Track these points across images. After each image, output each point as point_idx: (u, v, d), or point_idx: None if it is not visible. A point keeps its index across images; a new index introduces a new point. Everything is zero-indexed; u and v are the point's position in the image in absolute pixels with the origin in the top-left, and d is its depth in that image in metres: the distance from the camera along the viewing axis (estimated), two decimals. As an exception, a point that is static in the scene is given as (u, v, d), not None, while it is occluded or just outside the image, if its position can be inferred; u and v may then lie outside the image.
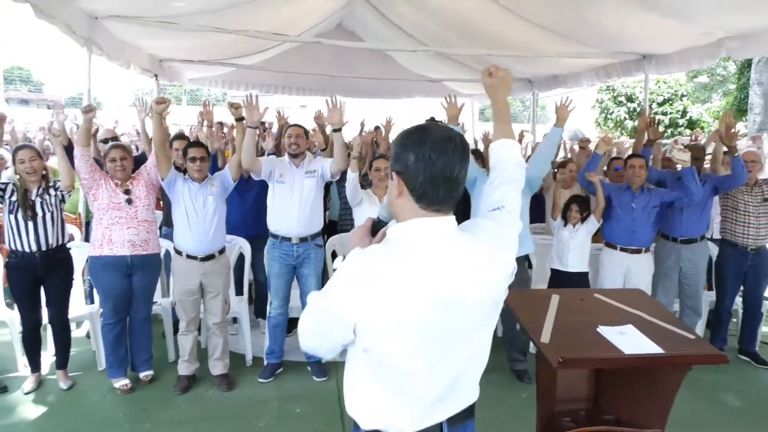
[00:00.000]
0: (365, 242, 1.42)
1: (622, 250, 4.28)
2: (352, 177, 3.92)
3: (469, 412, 1.44)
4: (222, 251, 3.86)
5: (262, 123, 6.73)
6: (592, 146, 6.02)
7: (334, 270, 1.36)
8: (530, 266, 4.79)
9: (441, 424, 1.37)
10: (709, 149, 5.10)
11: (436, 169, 1.27)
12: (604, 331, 1.85)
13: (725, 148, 4.28)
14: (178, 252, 3.77)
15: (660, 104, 19.81)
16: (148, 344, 3.93)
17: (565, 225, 4.39)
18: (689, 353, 1.78)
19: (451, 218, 1.33)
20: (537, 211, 5.09)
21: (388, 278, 1.24)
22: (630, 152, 4.97)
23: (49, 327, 3.84)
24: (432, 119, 5.51)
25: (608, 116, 20.89)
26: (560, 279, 4.36)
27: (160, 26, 5.70)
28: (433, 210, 1.30)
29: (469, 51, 7.29)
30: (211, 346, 3.94)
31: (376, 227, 1.49)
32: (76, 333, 4.73)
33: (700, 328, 4.73)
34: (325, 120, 3.92)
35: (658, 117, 19.33)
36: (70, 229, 4.94)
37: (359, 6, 8.54)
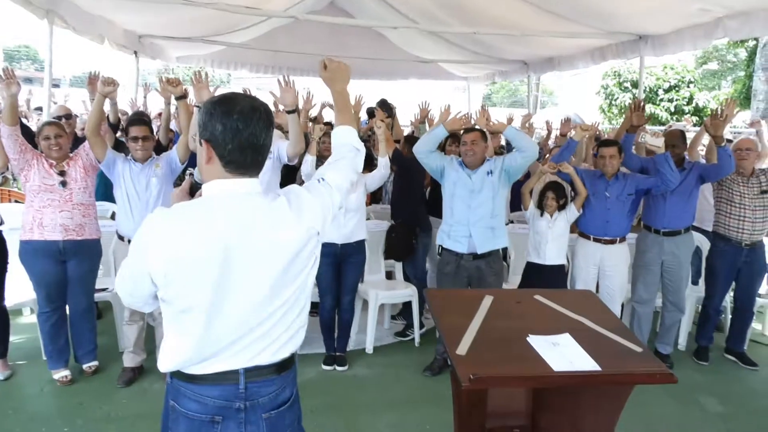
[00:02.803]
0: (185, 202, 1.50)
1: (595, 240, 4.02)
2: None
3: (274, 369, 1.47)
4: (167, 237, 3.60)
5: None
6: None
7: None
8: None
9: (238, 372, 1.43)
10: (706, 138, 4.79)
11: (244, 138, 1.38)
12: (535, 341, 1.59)
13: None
14: (120, 237, 3.52)
15: (666, 90, 19.27)
16: (90, 336, 3.70)
17: (541, 215, 4.11)
18: (630, 371, 1.51)
19: (255, 180, 1.44)
20: (518, 198, 4.84)
21: (177, 230, 1.35)
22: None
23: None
24: (383, 102, 5.23)
25: (613, 102, 20.38)
26: (535, 273, 4.08)
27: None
28: (239, 174, 1.41)
29: (456, 29, 6.95)
30: (158, 336, 3.71)
31: (194, 188, 1.54)
32: (31, 319, 4.53)
33: (686, 324, 4.49)
34: (277, 101, 3.61)
35: (663, 104, 18.85)
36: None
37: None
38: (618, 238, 3.99)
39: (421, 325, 4.54)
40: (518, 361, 1.52)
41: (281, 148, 3.70)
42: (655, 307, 4.36)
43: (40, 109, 7.30)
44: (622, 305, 4.30)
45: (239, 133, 1.37)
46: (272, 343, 1.45)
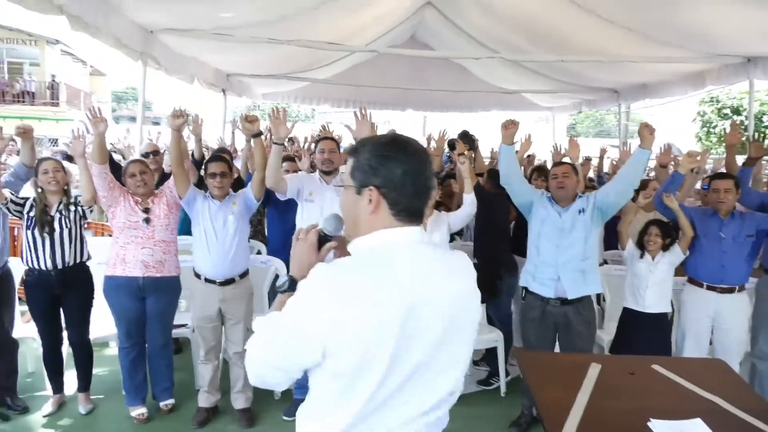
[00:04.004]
0: (314, 259, 1.36)
1: (709, 288, 3.54)
2: None
3: None
4: (244, 275, 3.55)
5: (290, 140, 6.43)
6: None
7: (281, 290, 1.34)
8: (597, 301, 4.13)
9: None
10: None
11: (422, 182, 1.27)
12: (659, 427, 1.30)
13: None
14: (197, 275, 3.50)
15: (772, 117, 17.83)
16: (167, 373, 3.68)
17: (641, 255, 3.71)
18: (788, 477, 1.19)
19: (421, 228, 1.30)
20: (613, 235, 4.45)
21: (356, 289, 1.17)
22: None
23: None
24: (465, 133, 4.98)
25: (711, 130, 19.06)
26: (633, 320, 3.66)
27: (214, 38, 5.62)
28: (408, 222, 1.27)
29: (539, 57, 6.68)
30: (233, 377, 3.64)
31: (322, 241, 1.40)
32: (116, 351, 4.61)
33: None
34: (353, 134, 3.49)
35: (767, 132, 17.40)
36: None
37: (430, 16, 8.19)
38: (737, 287, 3.51)
39: (507, 373, 4.21)
40: (639, 455, 1.24)
41: None
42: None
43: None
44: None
45: (419, 177, 1.25)
46: (441, 418, 1.29)
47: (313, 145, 5.21)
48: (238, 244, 3.46)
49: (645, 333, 3.60)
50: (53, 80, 22.80)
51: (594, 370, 1.52)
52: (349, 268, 1.22)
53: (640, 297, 3.65)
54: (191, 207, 3.45)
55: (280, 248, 4.30)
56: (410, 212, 1.26)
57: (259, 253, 4.76)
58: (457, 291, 1.28)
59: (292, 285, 1.31)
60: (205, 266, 3.45)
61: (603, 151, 6.99)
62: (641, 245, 3.71)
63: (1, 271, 3.58)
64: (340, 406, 1.22)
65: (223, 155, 3.72)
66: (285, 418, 3.66)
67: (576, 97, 9.53)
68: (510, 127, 3.47)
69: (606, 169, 6.79)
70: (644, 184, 4.49)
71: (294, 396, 3.77)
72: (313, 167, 4.43)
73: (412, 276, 1.21)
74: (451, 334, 1.26)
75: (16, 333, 3.80)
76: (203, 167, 3.70)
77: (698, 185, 5.19)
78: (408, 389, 1.23)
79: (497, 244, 4.32)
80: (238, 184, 4.11)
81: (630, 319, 3.71)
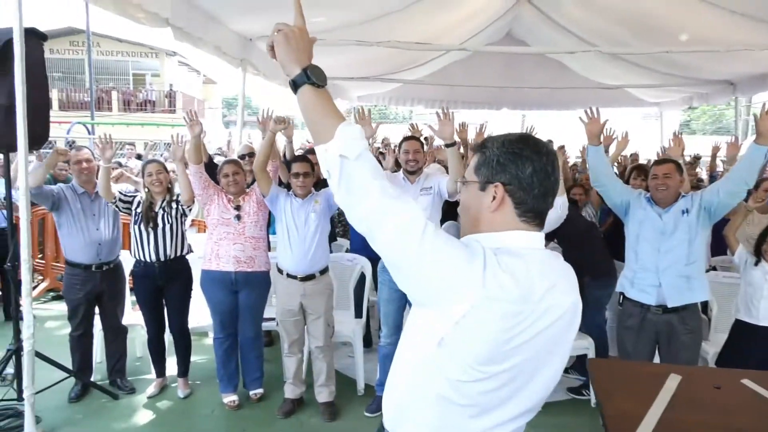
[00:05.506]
0: (308, 40, 1.29)
1: (832, 301, 3.16)
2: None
3: None
4: (324, 271, 3.64)
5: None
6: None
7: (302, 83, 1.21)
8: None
9: None
10: None
11: (550, 183, 1.21)
12: (743, 448, 1.16)
13: None
14: (280, 270, 3.63)
15: None
16: (257, 363, 3.86)
17: (756, 263, 3.37)
18: None
19: (542, 234, 1.25)
20: (722, 239, 4.08)
21: (498, 281, 1.09)
22: None
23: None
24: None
25: None
26: (747, 334, 3.33)
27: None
28: (534, 225, 1.21)
29: (642, 50, 6.27)
30: (316, 371, 3.74)
31: None
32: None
33: None
34: (436, 134, 3.44)
35: None
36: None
37: (525, 11, 7.94)
38: None
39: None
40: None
41: (442, 183, 3.55)
42: None
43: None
44: None
45: (548, 177, 1.20)
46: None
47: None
48: (319, 242, 3.54)
49: (759, 349, 3.27)
50: (171, 89, 24.72)
51: (673, 382, 1.38)
52: (506, 256, 1.13)
53: (754, 308, 3.32)
54: (274, 205, 3.58)
55: (362, 247, 4.37)
56: (536, 214, 1.21)
57: (347, 251, 4.88)
58: (569, 305, 1.21)
59: (309, 76, 1.18)
60: (287, 262, 3.57)
61: (715, 149, 6.46)
62: (758, 253, 3.37)
63: (114, 264, 3.93)
64: (448, 401, 1.15)
65: (308, 155, 3.83)
66: (367, 414, 3.70)
67: (686, 91, 8.84)
68: (594, 125, 3.28)
69: (719, 168, 6.28)
70: (757, 184, 4.08)
71: (376, 393, 3.82)
72: (397, 166, 4.45)
73: (544, 284, 1.15)
74: (551, 346, 1.20)
75: (126, 320, 4.16)
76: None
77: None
78: (504, 393, 1.17)
79: (582, 254, 4.02)
80: (323, 183, 4.22)
81: (743, 332, 3.38)
